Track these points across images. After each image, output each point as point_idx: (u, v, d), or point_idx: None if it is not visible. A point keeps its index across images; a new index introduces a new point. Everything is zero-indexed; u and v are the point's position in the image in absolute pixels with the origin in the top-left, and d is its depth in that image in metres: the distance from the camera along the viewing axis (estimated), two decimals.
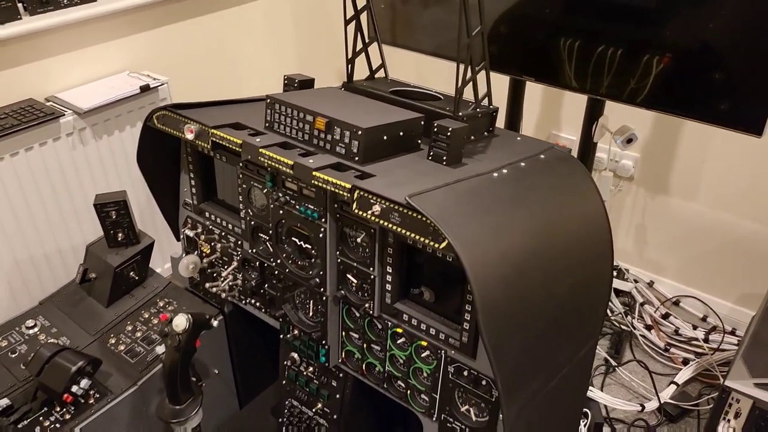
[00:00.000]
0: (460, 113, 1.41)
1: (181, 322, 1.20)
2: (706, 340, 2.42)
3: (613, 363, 2.38)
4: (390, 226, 1.13)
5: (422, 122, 1.37)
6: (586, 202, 1.43)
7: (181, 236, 1.80)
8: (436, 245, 1.08)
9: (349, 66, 1.57)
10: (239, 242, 1.62)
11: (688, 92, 1.63)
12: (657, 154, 2.42)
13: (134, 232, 1.84)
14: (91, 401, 1.56)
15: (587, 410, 2.11)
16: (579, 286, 1.38)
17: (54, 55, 2.06)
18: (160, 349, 1.26)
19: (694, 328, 2.49)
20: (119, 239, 1.83)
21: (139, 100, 2.12)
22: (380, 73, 1.68)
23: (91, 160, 2.07)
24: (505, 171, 1.31)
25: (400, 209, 1.11)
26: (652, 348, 2.47)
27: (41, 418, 1.51)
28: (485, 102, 1.49)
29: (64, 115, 1.96)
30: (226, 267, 1.69)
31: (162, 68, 2.29)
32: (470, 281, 1.03)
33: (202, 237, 1.70)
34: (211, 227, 1.68)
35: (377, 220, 1.14)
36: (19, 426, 1.49)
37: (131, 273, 1.85)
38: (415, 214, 1.09)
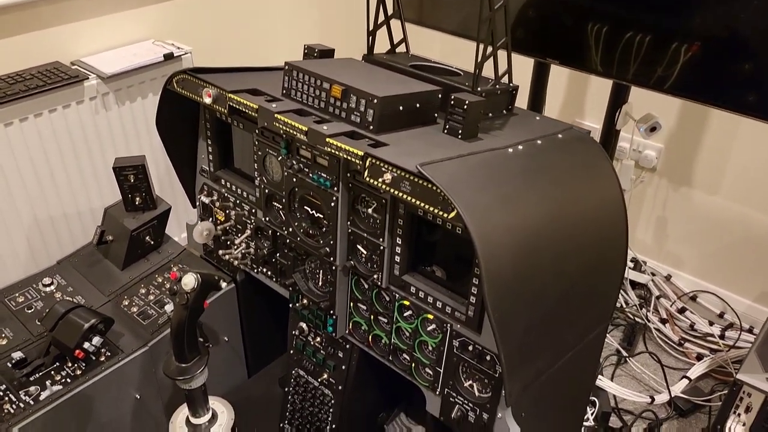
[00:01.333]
0: (479, 89, 1.39)
1: (189, 280, 1.22)
2: (721, 337, 2.39)
3: (625, 354, 2.36)
4: (400, 194, 1.12)
5: (440, 96, 1.36)
6: (602, 184, 1.41)
7: (197, 203, 1.81)
8: (445, 215, 1.07)
9: (370, 38, 1.56)
10: (253, 210, 1.63)
11: (717, 81, 1.59)
12: (681, 146, 2.37)
13: (152, 197, 1.86)
14: (102, 359, 1.59)
15: (595, 399, 2.10)
16: (590, 267, 1.37)
17: (81, 20, 2.08)
18: (169, 308, 1.27)
19: (711, 324, 2.45)
20: (137, 203, 1.85)
21: (162, 68, 2.14)
22: (401, 50, 1.67)
23: (113, 125, 2.09)
24: (520, 147, 1.29)
25: (411, 178, 1.10)
26: (665, 342, 2.44)
27: (53, 372, 1.54)
28: (505, 79, 1.47)
29: (88, 78, 1.98)
30: (239, 235, 1.71)
31: (186, 38, 2.31)
32: (477, 252, 1.03)
33: (217, 204, 1.71)
34: (226, 195, 1.69)
35: (388, 188, 1.14)
36: (31, 379, 1.52)
37: (147, 237, 1.87)
38: (425, 183, 1.09)
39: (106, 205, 2.11)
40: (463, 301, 1.27)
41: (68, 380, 1.53)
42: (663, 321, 2.49)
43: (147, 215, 1.86)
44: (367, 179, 1.17)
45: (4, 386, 1.49)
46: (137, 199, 1.84)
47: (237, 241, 1.69)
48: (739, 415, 1.65)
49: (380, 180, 1.14)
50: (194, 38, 2.34)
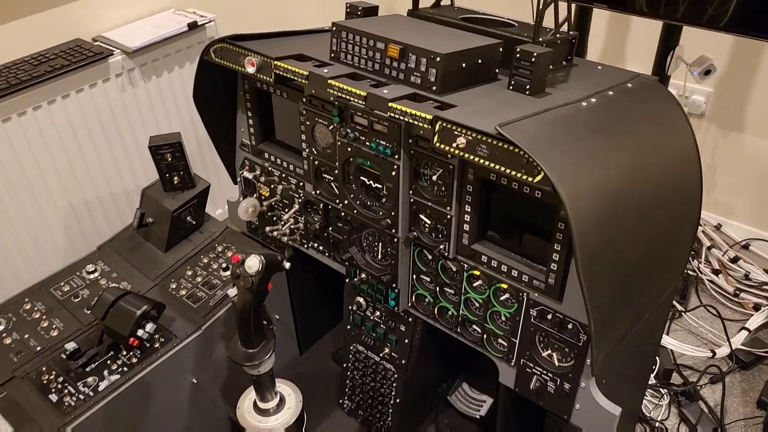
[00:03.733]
0: (540, 39, 1.29)
1: (254, 263, 1.15)
2: None
3: (680, 308, 2.29)
4: (477, 159, 1.04)
5: (501, 49, 1.27)
6: (676, 134, 1.32)
7: (238, 179, 1.74)
8: (530, 179, 0.99)
9: None
10: (301, 184, 1.55)
11: None
12: (731, 89, 2.26)
13: (190, 175, 1.79)
14: (157, 345, 1.54)
15: (656, 356, 2.04)
16: (668, 223, 1.29)
17: None
18: (232, 292, 1.21)
19: (766, 272, 2.37)
20: (175, 183, 1.78)
21: (187, 38, 2.04)
22: (444, 3, 1.56)
23: (141, 102, 2.01)
24: (593, 100, 1.20)
25: (489, 140, 1.02)
26: (720, 293, 2.37)
27: (108, 362, 1.50)
28: (563, 28, 1.37)
29: (112, 54, 1.89)
30: (286, 210, 1.63)
31: (207, 5, 2.20)
32: (570, 217, 0.95)
33: (262, 179, 1.63)
34: (270, 169, 1.62)
35: (462, 153, 1.06)
36: (87, 369, 1.48)
37: (188, 217, 1.81)
38: (505, 146, 1.00)
39: (139, 185, 2.05)
40: (541, 268, 1.19)
41: (125, 369, 1.48)
42: (716, 272, 2.41)
43: (186, 194, 1.79)
44: (438, 145, 1.09)
45: (61, 378, 1.46)
46: (175, 178, 1.77)
47: (285, 217, 1.62)
48: None
49: (453, 145, 1.06)
50: (216, 4, 2.24)
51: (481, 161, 1.04)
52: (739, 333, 2.17)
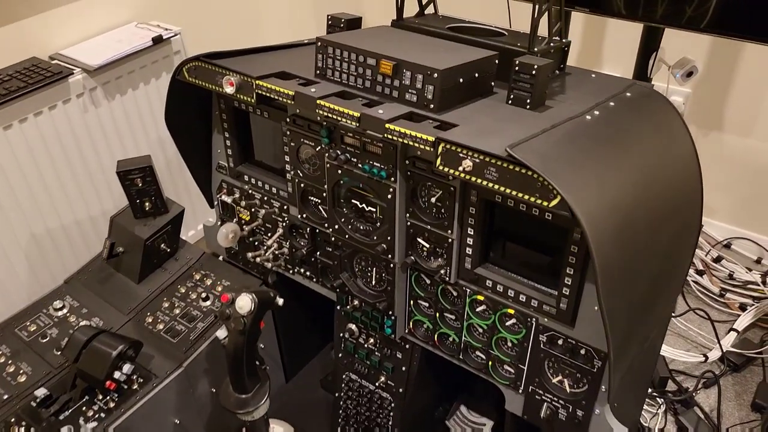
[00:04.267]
0: (536, 49, 1.23)
1: (245, 303, 1.06)
2: (763, 283, 2.31)
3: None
4: (485, 183, 0.97)
5: (496, 61, 1.20)
6: (678, 144, 1.28)
7: (216, 202, 1.64)
8: (545, 203, 0.92)
9: (400, 1, 1.38)
10: (285, 207, 1.46)
11: (755, 12, 1.45)
12: (710, 89, 2.24)
13: (162, 200, 1.68)
14: (135, 387, 1.43)
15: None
16: (674, 235, 1.24)
17: (54, 8, 1.85)
18: (221, 333, 1.12)
19: (749, 270, 2.37)
20: (147, 209, 1.67)
21: (151, 53, 1.93)
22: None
23: (105, 123, 1.88)
24: (596, 112, 1.15)
25: (499, 163, 0.95)
26: (705, 294, 2.35)
27: (84, 408, 1.39)
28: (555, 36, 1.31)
29: (72, 73, 1.77)
30: (269, 234, 1.54)
31: (171, 17, 2.09)
32: (590, 243, 0.89)
33: (242, 203, 1.54)
34: (251, 192, 1.52)
35: (469, 177, 0.98)
36: (61, 417, 1.37)
37: (162, 245, 1.70)
38: (516, 168, 0.93)
39: (106, 212, 1.94)
40: (552, 292, 1.13)
41: (102, 415, 1.37)
42: (700, 272, 2.40)
43: (159, 221, 1.68)
44: (441, 168, 1.01)
45: (33, 429, 1.34)
46: (147, 204, 1.66)
47: (268, 242, 1.52)
48: None
49: (459, 169, 0.98)
50: (180, 16, 2.12)
51: (490, 185, 0.97)
52: (728, 334, 2.15)
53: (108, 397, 1.41)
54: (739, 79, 2.18)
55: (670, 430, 1.91)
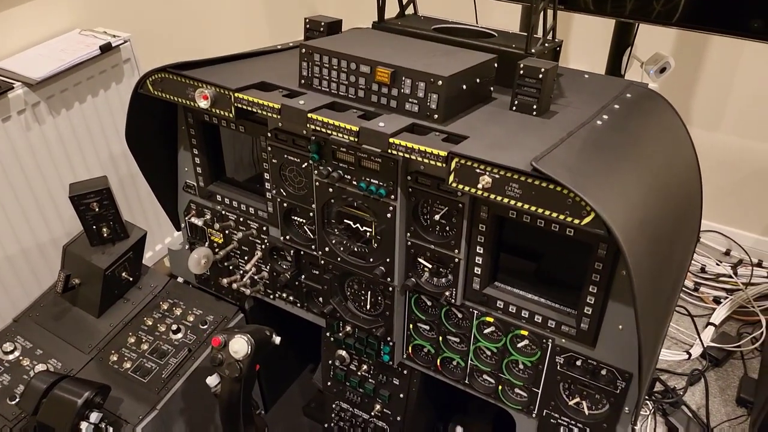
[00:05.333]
0: (533, 50, 1.16)
1: (241, 346, 0.93)
2: (735, 275, 2.32)
3: None
4: (507, 201, 0.88)
5: (496, 65, 1.12)
6: (681, 146, 1.23)
7: (183, 225, 1.50)
8: (576, 221, 0.84)
9: (381, 1, 1.28)
10: (264, 228, 1.34)
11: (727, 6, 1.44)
12: (676, 85, 2.23)
13: (122, 224, 1.52)
14: None
15: None
16: (684, 239, 1.19)
17: None
18: (212, 381, 0.99)
19: (719, 263, 2.38)
20: (104, 235, 1.51)
21: (99, 62, 1.75)
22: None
23: (50, 141, 1.70)
24: (605, 117, 1.08)
25: (522, 179, 0.86)
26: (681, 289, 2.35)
27: None
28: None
29: (12, 88, 1.58)
30: (246, 258, 1.41)
31: (117, 23, 1.91)
32: (627, 262, 0.81)
33: (215, 225, 1.40)
34: (224, 213, 1.39)
35: (488, 194, 0.89)
36: None
37: (123, 273, 1.54)
38: (543, 184, 0.85)
39: (56, 240, 1.76)
40: (571, 312, 1.06)
41: None
42: None
43: (119, 247, 1.53)
44: (455, 185, 0.92)
45: None
46: (105, 230, 1.50)
47: (246, 266, 1.40)
48: None
49: (478, 186, 0.89)
50: (127, 22, 1.95)
51: (512, 203, 0.88)
52: (706, 329, 2.15)
53: None
54: (706, 75, 2.18)
55: None
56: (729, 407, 1.95)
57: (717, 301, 2.28)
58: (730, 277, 2.31)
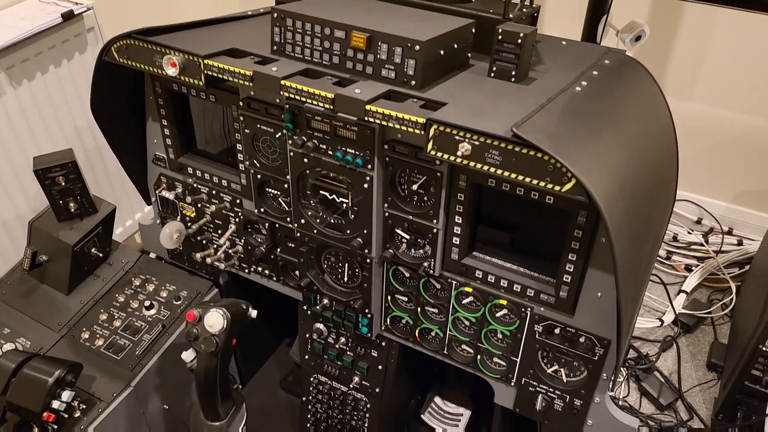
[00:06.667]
0: (510, 15, 1.13)
1: (216, 320, 0.91)
2: (706, 242, 2.35)
3: None
4: (486, 168, 0.87)
5: (473, 30, 1.09)
6: (659, 113, 1.23)
7: (153, 199, 1.46)
8: (557, 188, 0.83)
9: None
10: (238, 201, 1.31)
11: None
12: (649, 53, 2.23)
13: (89, 199, 1.48)
14: (78, 414, 1.28)
15: None
16: (662, 211, 1.20)
17: None
18: (188, 356, 0.97)
19: (690, 232, 2.41)
20: (72, 210, 1.46)
21: (61, 31, 1.68)
22: None
23: (12, 113, 1.64)
24: (584, 83, 1.07)
25: (502, 145, 0.85)
26: None
27: None
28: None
29: None
30: (220, 232, 1.38)
31: None
32: (608, 229, 0.81)
33: (186, 199, 1.36)
34: (196, 186, 1.35)
35: (467, 162, 0.88)
36: None
37: (93, 249, 1.51)
38: (524, 150, 0.84)
39: (21, 216, 1.70)
40: (550, 280, 1.05)
41: None
42: None
43: (87, 222, 1.49)
44: (433, 153, 0.90)
45: None
46: (72, 204, 1.45)
47: (220, 240, 1.37)
48: None
49: (457, 153, 0.87)
50: None
51: (492, 170, 0.87)
52: (678, 296, 2.18)
53: (48, 430, 1.22)
54: (679, 43, 2.18)
55: (633, 397, 1.91)
56: (700, 372, 2.00)
57: (688, 269, 2.32)
58: (702, 245, 2.34)
